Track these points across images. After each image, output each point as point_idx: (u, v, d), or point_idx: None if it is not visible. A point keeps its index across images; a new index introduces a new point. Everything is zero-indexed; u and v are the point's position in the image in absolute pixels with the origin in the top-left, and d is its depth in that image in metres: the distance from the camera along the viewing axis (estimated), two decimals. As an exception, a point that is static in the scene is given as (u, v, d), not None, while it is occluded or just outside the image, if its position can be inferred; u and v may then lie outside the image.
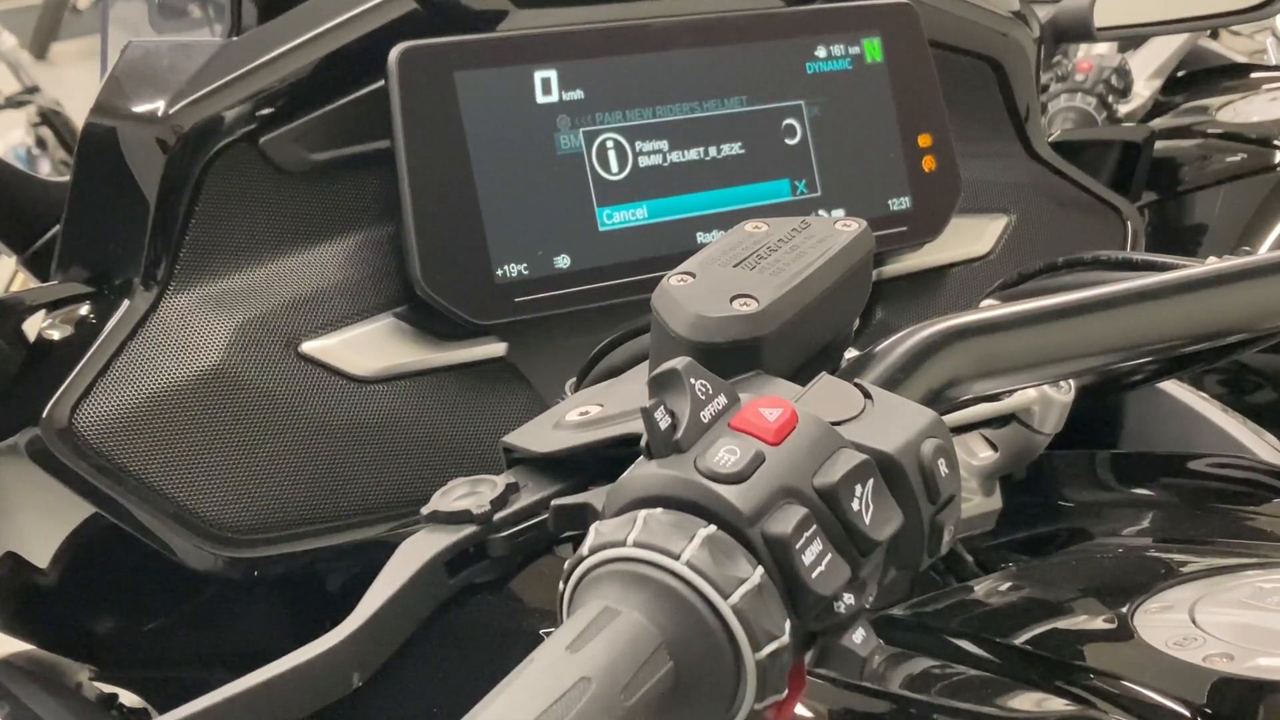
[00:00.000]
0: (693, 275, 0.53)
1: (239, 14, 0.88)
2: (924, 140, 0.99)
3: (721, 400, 0.47)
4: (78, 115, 2.86)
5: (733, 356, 0.50)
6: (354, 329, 0.86)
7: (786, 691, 0.44)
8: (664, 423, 0.45)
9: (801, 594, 0.44)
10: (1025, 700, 0.67)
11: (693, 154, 0.92)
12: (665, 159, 0.91)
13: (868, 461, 0.46)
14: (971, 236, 1.07)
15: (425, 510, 0.52)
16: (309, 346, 0.85)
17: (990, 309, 0.57)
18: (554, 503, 0.52)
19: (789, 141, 0.95)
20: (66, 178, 0.89)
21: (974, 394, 0.56)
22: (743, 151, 0.94)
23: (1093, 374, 0.87)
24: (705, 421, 0.46)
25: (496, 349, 0.89)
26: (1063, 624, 0.74)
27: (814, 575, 0.44)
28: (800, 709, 0.66)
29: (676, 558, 0.43)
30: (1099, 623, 0.72)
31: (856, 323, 0.58)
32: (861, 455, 0.46)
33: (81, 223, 0.87)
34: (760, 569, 0.43)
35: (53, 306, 0.85)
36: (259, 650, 0.52)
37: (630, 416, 0.52)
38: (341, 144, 0.86)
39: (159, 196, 0.82)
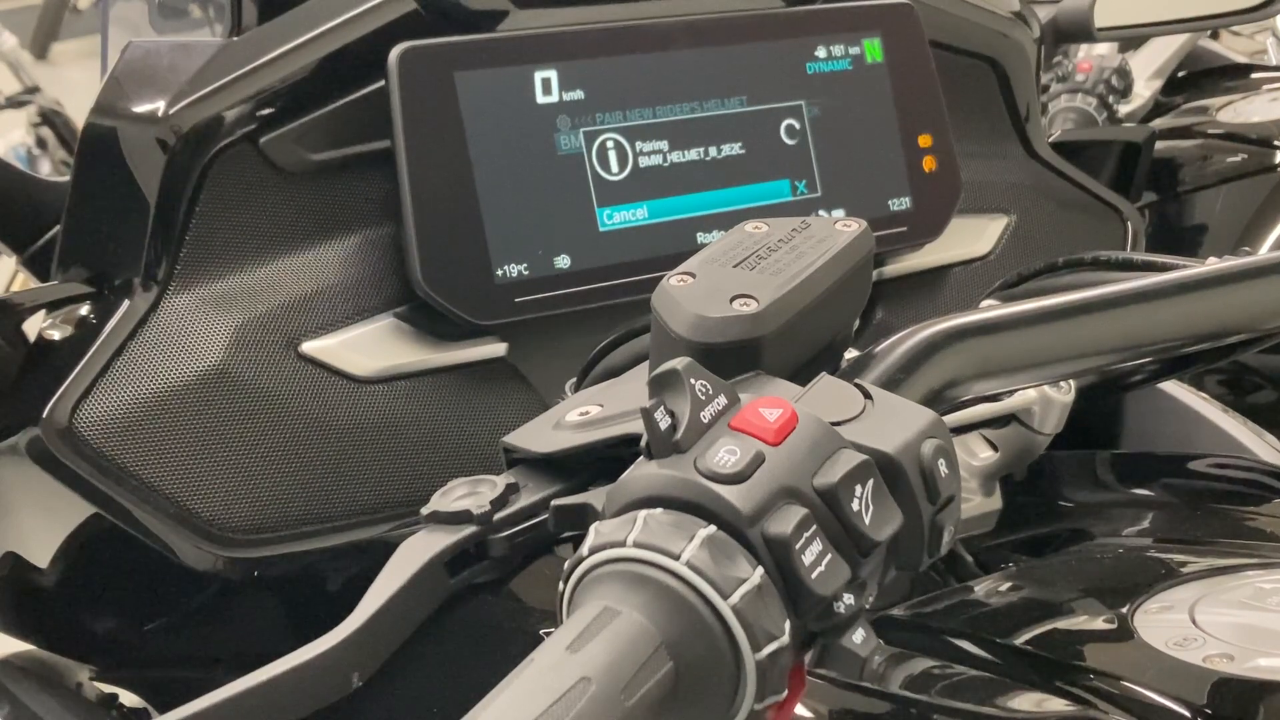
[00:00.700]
0: (693, 275, 0.53)
1: (239, 14, 0.88)
2: (924, 140, 0.99)
3: (721, 400, 0.47)
4: (78, 115, 2.86)
5: (733, 357, 0.50)
6: (354, 329, 0.86)
7: (786, 692, 0.44)
8: (664, 423, 0.45)
9: (801, 594, 0.44)
10: (1025, 700, 0.67)
11: (693, 154, 0.92)
12: (665, 159, 0.91)
13: (868, 462, 0.46)
14: (971, 237, 1.07)
15: (425, 510, 0.52)
16: (309, 346, 0.85)
17: (990, 309, 0.57)
18: (554, 503, 0.52)
19: (789, 142, 0.95)
20: (67, 178, 0.89)
21: (974, 394, 0.56)
22: (743, 152, 0.94)
23: (1093, 374, 0.87)
24: (705, 422, 0.46)
25: (496, 349, 0.89)
26: (1063, 624, 0.74)
27: (814, 575, 0.44)
28: (800, 709, 0.65)
29: (676, 558, 0.43)
30: (1099, 623, 0.72)
31: (856, 323, 0.58)
32: (861, 455, 0.46)
33: (82, 223, 0.87)
34: (760, 569, 0.43)
35: (53, 306, 0.85)
36: (259, 650, 0.52)
37: (630, 417, 0.52)
38: (342, 144, 0.86)
39: (159, 196, 0.82)
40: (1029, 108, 1.10)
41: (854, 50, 0.97)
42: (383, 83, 0.84)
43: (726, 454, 0.45)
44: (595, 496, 0.50)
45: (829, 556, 0.44)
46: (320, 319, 0.85)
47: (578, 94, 0.89)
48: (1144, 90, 1.98)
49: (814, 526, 0.44)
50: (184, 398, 0.81)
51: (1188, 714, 0.62)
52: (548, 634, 0.43)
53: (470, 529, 0.52)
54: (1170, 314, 0.61)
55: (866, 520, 0.45)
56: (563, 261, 0.88)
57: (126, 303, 0.82)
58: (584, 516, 0.50)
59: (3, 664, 1.00)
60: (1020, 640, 0.71)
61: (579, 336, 0.84)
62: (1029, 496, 1.00)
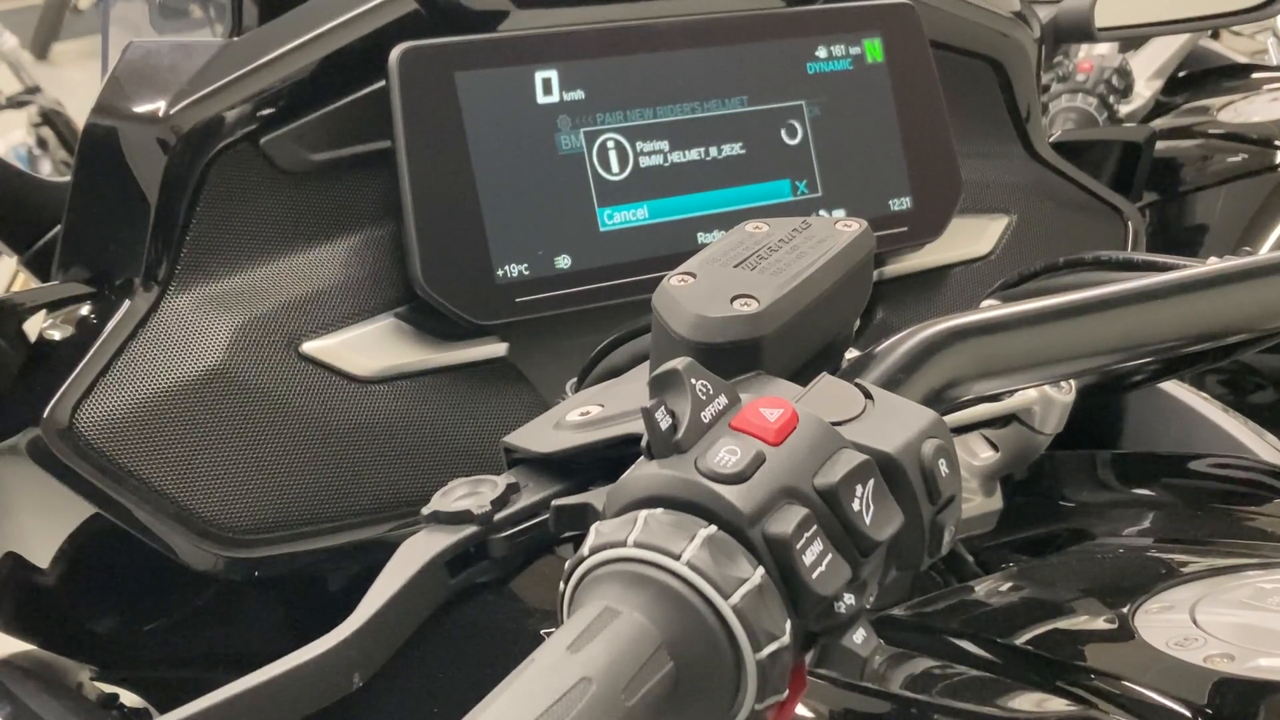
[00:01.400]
0: (693, 275, 0.53)
1: (239, 14, 0.88)
2: (925, 140, 0.99)
3: (722, 400, 0.47)
4: (79, 115, 2.86)
5: (733, 357, 0.50)
6: (355, 329, 0.86)
7: (787, 692, 0.44)
8: (664, 423, 0.45)
9: (802, 594, 0.44)
10: (1026, 700, 0.67)
11: (693, 154, 0.92)
12: (666, 159, 0.91)
13: (868, 462, 0.46)
14: (972, 237, 1.07)
15: (426, 510, 0.52)
16: (310, 346, 0.85)
17: (991, 309, 0.57)
18: (554, 503, 0.52)
19: (790, 142, 0.95)
20: (67, 178, 0.89)
21: (975, 394, 0.56)
22: (743, 152, 0.94)
23: (1093, 374, 0.87)
24: (706, 422, 0.46)
25: (497, 349, 0.89)
26: (1063, 624, 0.74)
27: (814, 575, 0.44)
28: (801, 709, 0.65)
29: (677, 558, 0.43)
30: (1100, 623, 0.72)
31: (857, 323, 0.58)
32: (862, 455, 0.46)
33: (82, 223, 0.87)
34: (761, 569, 0.43)
35: (54, 307, 0.85)
36: (260, 650, 0.52)
37: (631, 416, 0.52)
38: (342, 144, 0.86)
39: (160, 196, 0.82)
40: (1029, 108, 1.10)
41: (855, 50, 0.97)
42: (383, 83, 0.84)
43: (727, 454, 0.45)
44: (596, 496, 0.50)
45: (829, 556, 0.44)
46: (321, 319, 0.85)
47: (578, 94, 0.89)
48: (1144, 90, 1.98)
49: (815, 526, 0.44)
50: (184, 398, 0.81)
51: (1188, 714, 0.62)
52: (548, 634, 0.43)
53: (471, 529, 0.52)
54: (1170, 314, 0.61)
55: (867, 520, 0.45)
56: (563, 261, 0.88)
57: (127, 303, 0.82)
58: (584, 516, 0.50)
59: (3, 664, 1.00)
60: (1021, 640, 0.71)
61: (579, 336, 0.85)
62: (1029, 496, 1.00)
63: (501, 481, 0.53)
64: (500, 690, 0.41)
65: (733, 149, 0.93)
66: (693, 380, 0.46)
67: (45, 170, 3.09)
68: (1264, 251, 1.59)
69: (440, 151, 0.84)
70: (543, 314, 0.87)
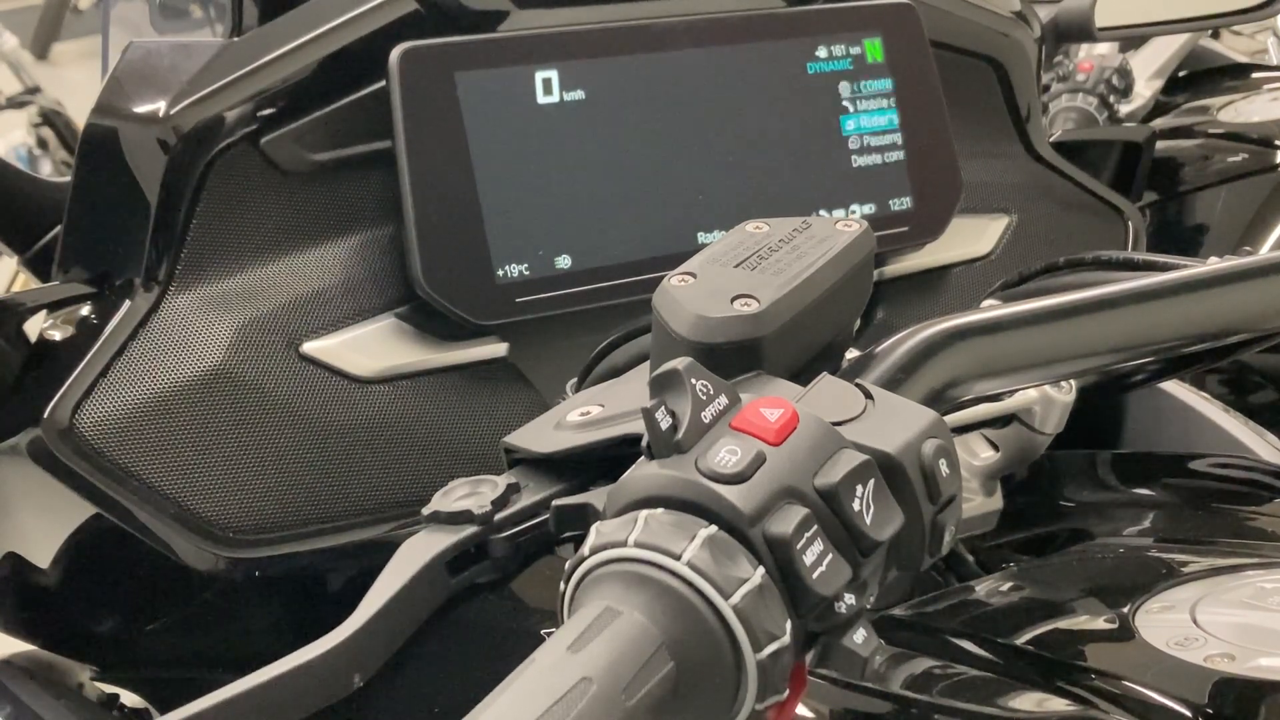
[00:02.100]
0: (694, 275, 0.53)
1: (240, 14, 0.88)
2: (925, 140, 0.99)
3: (722, 400, 0.47)
4: (79, 116, 2.86)
5: (734, 357, 0.50)
6: (355, 329, 0.86)
7: (787, 692, 0.44)
8: (665, 423, 0.45)
9: (802, 594, 0.44)
10: (1026, 700, 0.67)
11: (694, 154, 0.92)
12: (666, 159, 0.91)
13: (869, 462, 0.46)
14: (972, 237, 1.07)
15: (426, 510, 0.52)
16: (310, 347, 0.85)
17: (991, 309, 0.57)
18: (555, 503, 0.52)
19: (790, 141, 0.95)
20: (68, 178, 0.89)
21: (975, 394, 0.56)
22: (743, 151, 0.94)
23: (1094, 374, 0.87)
24: (706, 422, 0.46)
25: (497, 349, 0.89)
26: (1064, 624, 0.74)
27: (815, 575, 0.44)
28: (801, 709, 0.66)
29: (678, 558, 0.43)
30: (1100, 623, 0.72)
31: (857, 323, 0.58)
32: (862, 455, 0.46)
33: (83, 223, 0.87)
34: (761, 569, 0.43)
35: (54, 307, 0.85)
36: (260, 650, 0.52)
37: (631, 417, 0.52)
38: (342, 144, 0.86)
39: (160, 197, 0.82)
40: (1030, 107, 1.10)
41: (855, 50, 0.97)
42: (383, 83, 0.84)
43: (727, 454, 0.45)
44: (596, 496, 0.50)
45: (830, 556, 0.44)
46: (321, 319, 0.85)
47: (578, 94, 0.89)
48: (1144, 90, 1.98)
49: (815, 526, 0.44)
50: (185, 398, 0.81)
51: (1189, 714, 0.62)
52: (549, 634, 0.43)
53: (471, 529, 0.52)
54: (1170, 314, 0.61)
55: (867, 520, 0.45)
56: (563, 261, 0.88)
57: (127, 303, 0.82)
58: (585, 516, 0.50)
59: (3, 664, 1.00)
60: (1021, 640, 0.71)
61: (580, 336, 0.84)
62: (1030, 496, 1.00)
63: (502, 481, 0.53)
64: (500, 690, 0.41)
65: (733, 148, 0.93)
66: (693, 380, 0.46)
67: (45, 170, 3.09)
68: (1264, 251, 1.58)
69: (440, 151, 0.84)
70: (543, 314, 0.87)
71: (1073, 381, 0.91)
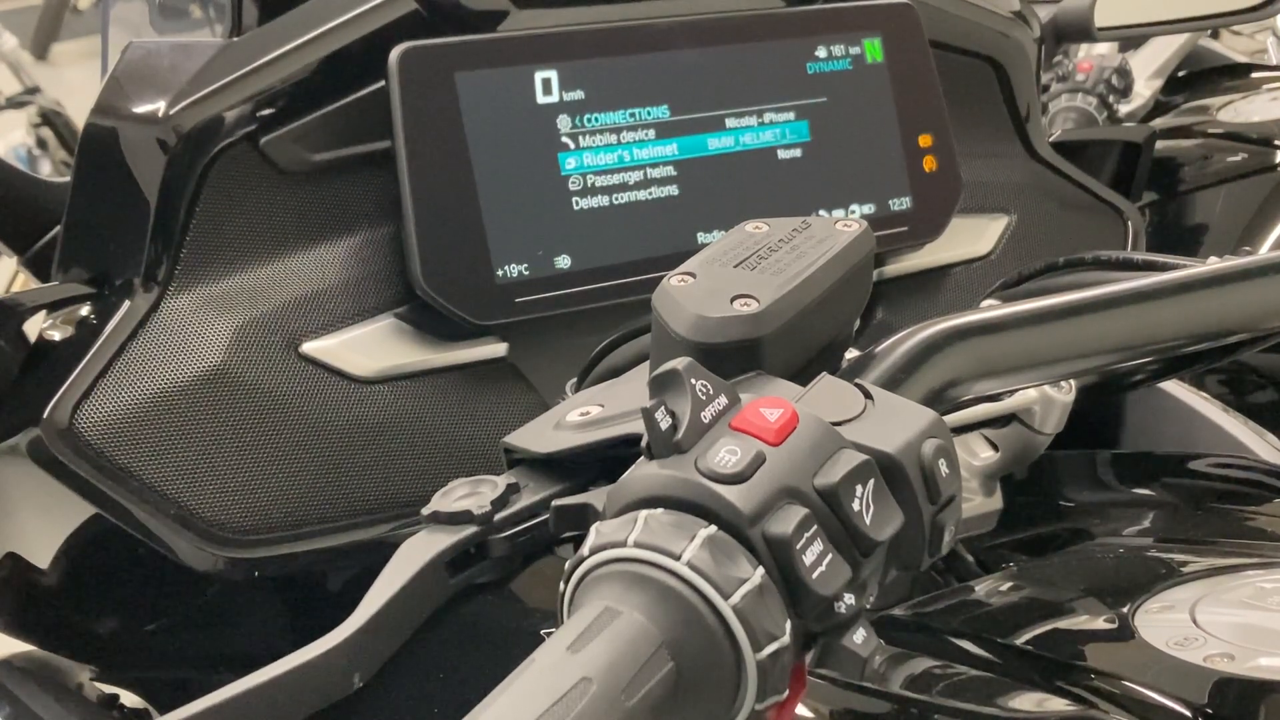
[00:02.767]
0: (693, 275, 0.53)
1: (239, 14, 0.88)
2: (924, 140, 1.00)
3: (722, 400, 0.47)
4: (78, 116, 2.86)
5: (733, 357, 0.50)
6: (355, 329, 0.86)
7: (787, 692, 0.44)
8: (664, 423, 0.45)
9: (802, 594, 0.44)
10: (1026, 700, 0.67)
11: (694, 154, 0.92)
12: (666, 159, 0.91)
13: (868, 462, 0.46)
14: (972, 236, 1.07)
15: (426, 511, 0.52)
16: (310, 347, 0.85)
17: (991, 309, 0.57)
18: (555, 503, 0.52)
19: (790, 142, 0.95)
20: (67, 178, 0.89)
21: (974, 394, 0.56)
22: (743, 151, 0.94)
23: (1093, 374, 0.87)
24: (706, 422, 0.46)
25: (497, 349, 0.89)
26: (1063, 624, 0.74)
27: (815, 575, 0.44)
28: (801, 709, 0.65)
29: (677, 558, 0.43)
30: (1100, 623, 0.72)
31: (857, 323, 0.58)
32: (862, 455, 0.46)
33: (82, 223, 0.87)
34: (761, 569, 0.43)
35: (54, 307, 0.85)
36: (260, 650, 0.52)
37: (631, 417, 0.52)
38: (342, 144, 0.86)
39: (160, 197, 0.82)
40: (1029, 107, 1.10)
41: (854, 50, 0.98)
42: (383, 83, 0.84)
43: (727, 454, 0.45)
44: (596, 497, 0.50)
45: (830, 556, 0.44)
46: (320, 319, 0.85)
47: (578, 94, 0.89)
48: (1144, 90, 1.98)
49: (815, 526, 0.44)
50: (184, 398, 0.81)
51: (1188, 714, 0.62)
52: (548, 634, 0.43)
53: (471, 529, 0.52)
54: (1170, 314, 0.61)
55: (867, 520, 0.45)
56: (563, 261, 0.88)
57: (127, 303, 0.82)
58: (585, 517, 0.50)
59: (3, 664, 1.00)
60: (1021, 640, 0.71)
61: (579, 336, 0.85)
62: (1029, 496, 1.00)
63: (501, 482, 0.53)
64: (500, 690, 0.41)
65: (733, 148, 0.93)
66: (693, 380, 0.46)
67: (45, 170, 3.08)
68: (1264, 251, 1.58)
69: (440, 152, 0.84)
70: (543, 314, 0.87)
71: (1072, 381, 0.91)
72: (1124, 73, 1.88)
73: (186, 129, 0.82)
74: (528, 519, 0.52)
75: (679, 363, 0.46)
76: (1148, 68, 1.99)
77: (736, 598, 0.42)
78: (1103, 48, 1.94)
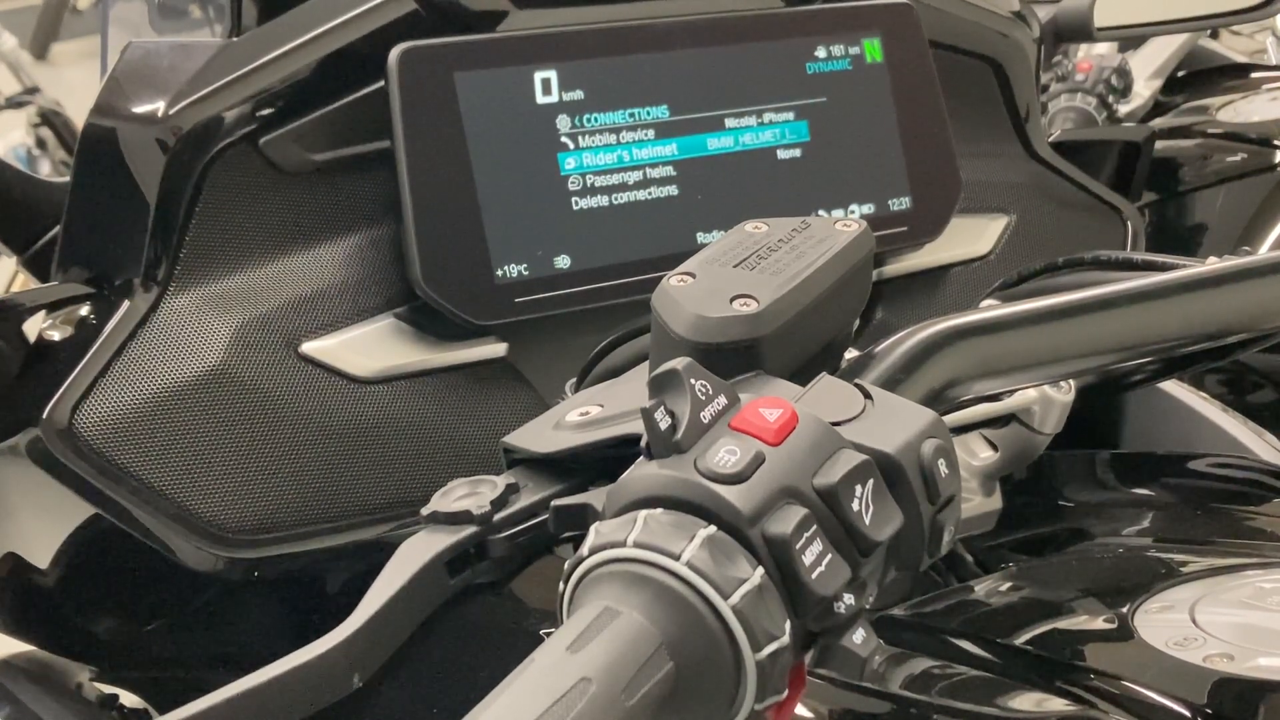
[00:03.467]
0: (693, 275, 0.53)
1: (239, 14, 0.88)
2: (924, 140, 1.00)
3: (721, 400, 0.47)
4: (78, 116, 2.86)
5: (733, 357, 0.50)
6: (354, 329, 0.86)
7: (787, 692, 0.44)
8: (664, 423, 0.45)
9: (802, 594, 0.44)
10: (1025, 700, 0.67)
11: (693, 154, 0.92)
12: (665, 159, 0.91)
13: (868, 462, 0.46)
14: (971, 236, 1.07)
15: (425, 511, 0.52)
16: (309, 347, 0.85)
17: (990, 309, 0.57)
18: (554, 503, 0.52)
19: (789, 142, 0.95)
20: (67, 178, 0.89)
21: (974, 394, 0.56)
22: (742, 151, 0.94)
23: (1093, 374, 0.87)
24: (705, 422, 0.46)
25: (497, 349, 0.89)
26: (1063, 624, 0.74)
27: (814, 575, 0.44)
28: (800, 709, 0.66)
29: (677, 558, 0.43)
30: (1099, 623, 0.72)
31: (856, 323, 0.58)
32: (862, 455, 0.46)
33: (82, 223, 0.87)
34: (760, 569, 0.43)
35: (53, 307, 0.85)
36: (259, 651, 0.52)
37: (630, 417, 0.52)
38: (342, 144, 0.86)
39: (159, 197, 0.82)
40: (1029, 107, 1.10)
41: (854, 50, 0.98)
42: (383, 83, 0.84)
43: (727, 454, 0.45)
44: (595, 497, 0.50)
45: (829, 556, 0.44)
46: (320, 319, 0.85)
47: (577, 94, 0.89)
48: (1144, 90, 1.98)
49: (814, 526, 0.44)
50: (184, 398, 0.81)
51: (1188, 714, 0.62)
52: (548, 634, 0.43)
53: (470, 529, 0.51)
54: (1170, 314, 0.61)
55: (867, 520, 0.45)
56: (563, 261, 0.88)
57: (126, 303, 0.82)
58: (584, 517, 0.50)
59: (3, 664, 1.00)
60: (1020, 640, 0.71)
61: (579, 336, 0.85)
62: (1029, 496, 1.00)
63: (501, 482, 0.53)
64: (500, 690, 0.41)
65: (732, 148, 0.93)
66: (692, 380, 0.46)
67: (45, 170, 3.08)
68: (1264, 251, 1.58)
69: (440, 151, 0.84)
70: (542, 314, 0.87)
71: (1072, 381, 0.91)
72: (1123, 73, 1.88)
73: (186, 129, 0.82)
74: (527, 519, 0.52)
75: (678, 363, 0.46)
76: (1147, 68, 1.99)
77: (736, 598, 0.42)
78: (1102, 48, 1.94)
